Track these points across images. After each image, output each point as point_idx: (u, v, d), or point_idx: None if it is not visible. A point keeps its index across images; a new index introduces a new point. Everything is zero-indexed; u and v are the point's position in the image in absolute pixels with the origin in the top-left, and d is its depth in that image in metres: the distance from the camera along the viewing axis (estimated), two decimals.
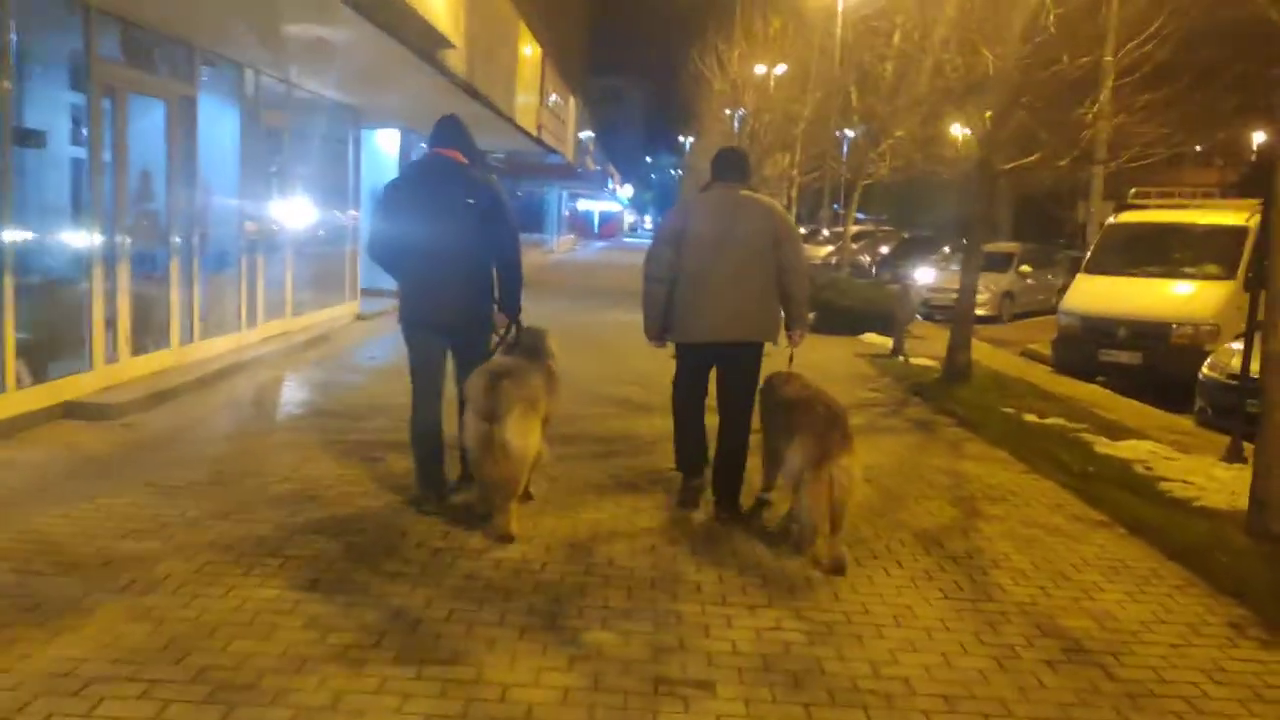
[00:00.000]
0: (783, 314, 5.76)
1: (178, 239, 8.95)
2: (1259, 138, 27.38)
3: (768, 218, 5.56)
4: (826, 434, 4.92)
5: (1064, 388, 11.71)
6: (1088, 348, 12.82)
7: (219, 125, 9.91)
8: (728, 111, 34.52)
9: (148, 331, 8.66)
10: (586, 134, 42.48)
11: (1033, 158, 11.68)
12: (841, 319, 15.82)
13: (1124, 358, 12.50)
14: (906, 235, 34.07)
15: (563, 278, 25.74)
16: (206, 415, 7.90)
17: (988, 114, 11.19)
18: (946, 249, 27.32)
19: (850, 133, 27.06)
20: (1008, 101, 10.81)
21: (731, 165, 5.74)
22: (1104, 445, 8.23)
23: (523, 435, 4.98)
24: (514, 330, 5.69)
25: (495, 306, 5.59)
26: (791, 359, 5.88)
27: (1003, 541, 5.64)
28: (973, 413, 9.31)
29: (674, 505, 5.81)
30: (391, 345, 12.25)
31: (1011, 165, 11.44)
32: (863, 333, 15.61)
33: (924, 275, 23.16)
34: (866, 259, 32.36)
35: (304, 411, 8.38)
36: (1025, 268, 22.10)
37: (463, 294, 5.38)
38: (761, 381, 5.76)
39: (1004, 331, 19.64)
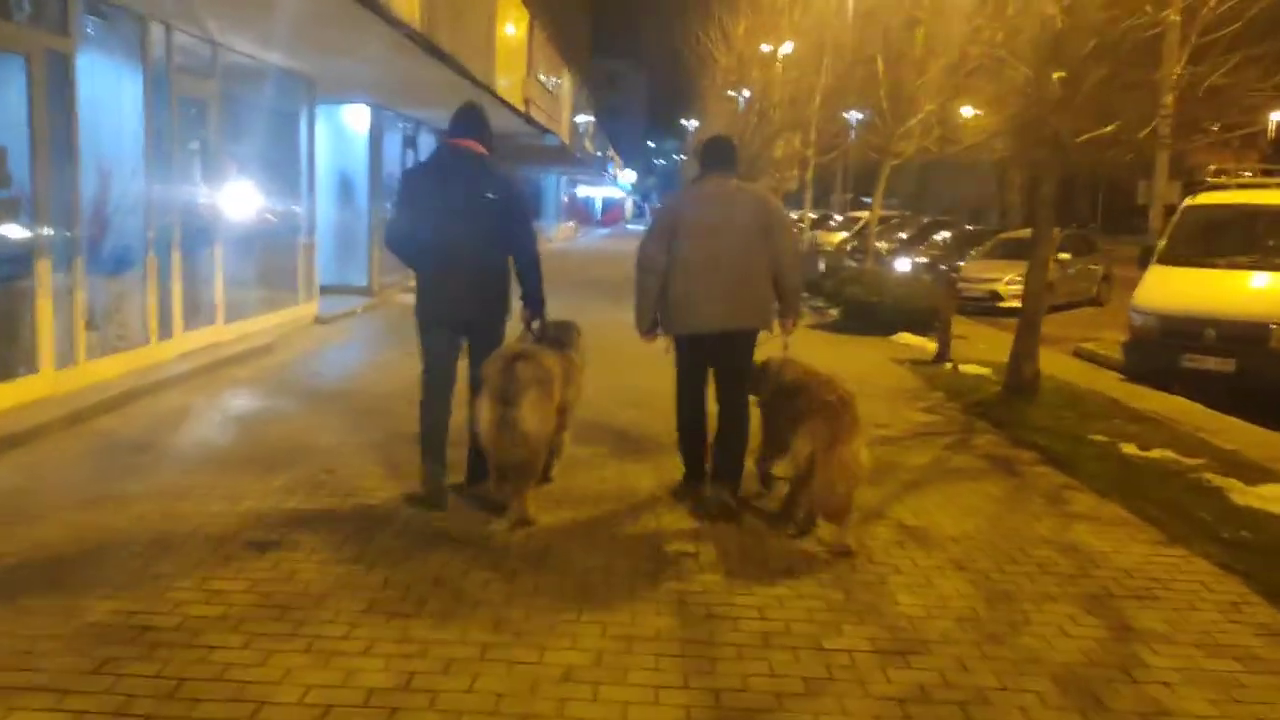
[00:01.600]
0: (776, 303, 5.71)
1: (48, 231, 7.00)
2: None
3: (759, 207, 5.55)
4: (837, 418, 4.89)
5: (1147, 402, 9.78)
6: (1168, 352, 10.85)
7: (116, 92, 7.98)
8: (731, 93, 32.46)
9: (11, 353, 6.76)
10: (587, 118, 40.48)
11: (1109, 128, 9.74)
12: (872, 318, 13.89)
13: (1212, 364, 10.53)
14: (926, 220, 32.05)
15: (560, 269, 23.52)
16: (38, 479, 5.99)
17: (1057, 75, 9.23)
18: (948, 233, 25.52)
19: (858, 115, 25.14)
20: (1085, 59, 8.88)
21: (720, 155, 5.73)
22: (1240, 492, 6.38)
23: (537, 417, 4.94)
24: (540, 325, 5.54)
25: (521, 302, 5.50)
26: (786, 347, 5.79)
27: (1188, 692, 3.71)
28: (1058, 444, 7.43)
29: (679, 504, 5.70)
30: (353, 356, 10.37)
31: (1086, 137, 9.49)
32: (896, 333, 13.69)
33: (902, 262, 21.28)
34: (883, 245, 30.33)
35: (186, 465, 6.22)
36: (1063, 255, 20.05)
37: (480, 290, 5.35)
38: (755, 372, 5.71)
39: (1047, 325, 17.60)
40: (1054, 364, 12.05)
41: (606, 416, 7.76)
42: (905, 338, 13.48)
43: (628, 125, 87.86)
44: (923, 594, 4.51)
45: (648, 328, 5.67)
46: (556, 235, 44.35)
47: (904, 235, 29.72)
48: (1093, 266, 21.35)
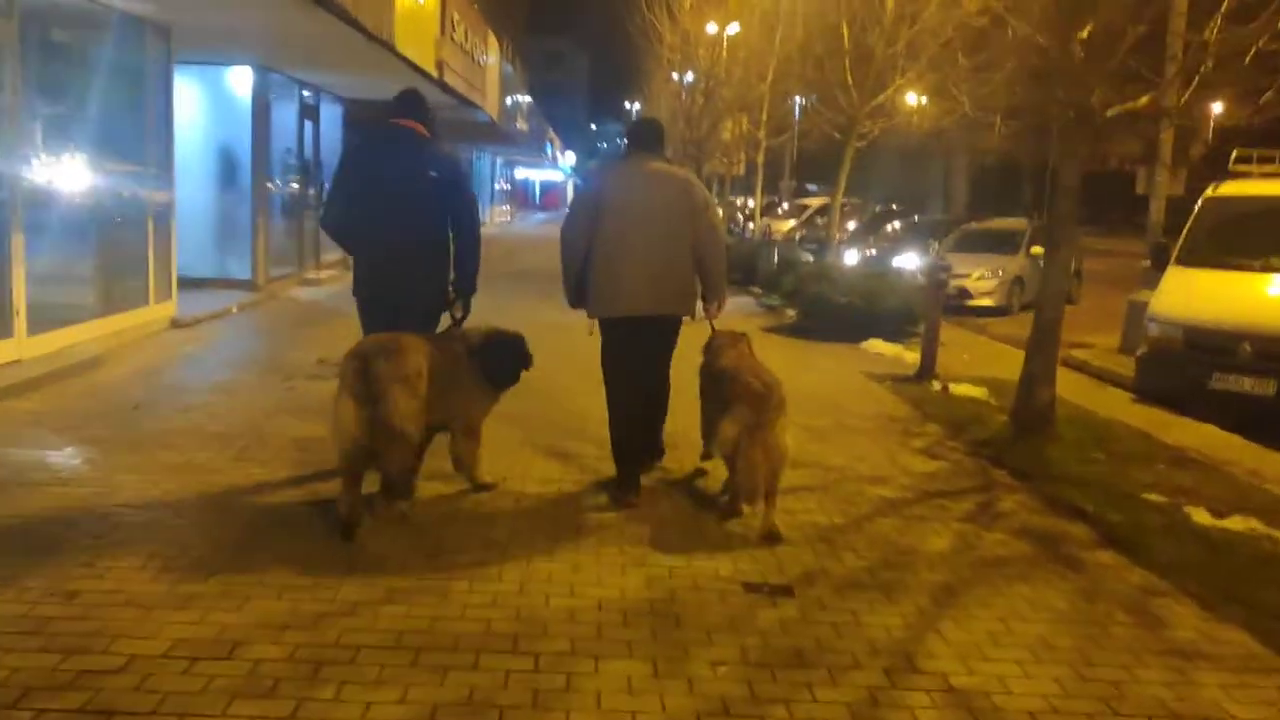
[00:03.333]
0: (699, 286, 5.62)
1: None
2: None
3: (682, 189, 5.47)
4: (762, 404, 4.93)
5: (1180, 434, 8.06)
6: (1193, 370, 9.13)
7: None
8: (675, 76, 30.44)
9: None
10: (524, 98, 38.17)
11: (1142, 100, 7.96)
12: (839, 321, 12.02)
13: (1248, 384, 8.82)
14: (877, 209, 30.39)
15: (491, 256, 20.95)
16: None
17: (1083, 34, 7.40)
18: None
19: (802, 100, 23.36)
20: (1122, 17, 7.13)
21: (646, 136, 5.66)
22: None
23: (405, 417, 4.59)
24: (463, 315, 5.39)
25: (451, 287, 5.37)
26: (714, 330, 5.71)
27: None
28: (1109, 508, 5.68)
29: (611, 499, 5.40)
30: (202, 373, 8.19)
31: (1116, 110, 7.69)
32: (866, 339, 11.85)
33: (908, 260, 19.79)
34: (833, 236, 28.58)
35: None
36: (1037, 249, 18.40)
37: (419, 271, 5.27)
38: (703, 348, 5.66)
39: (1016, 326, 15.86)
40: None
41: (516, 484, 5.78)
42: (876, 345, 11.65)
43: (569, 107, 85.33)
44: None
45: (574, 300, 5.61)
46: (490, 220, 42.02)
47: (852, 225, 27.93)
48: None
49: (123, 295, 9.37)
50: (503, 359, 5.24)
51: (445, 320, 5.39)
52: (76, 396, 7.03)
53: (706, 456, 5.82)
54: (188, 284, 12.35)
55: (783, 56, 19.57)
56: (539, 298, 13.72)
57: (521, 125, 31.06)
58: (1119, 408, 9.16)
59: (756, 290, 17.57)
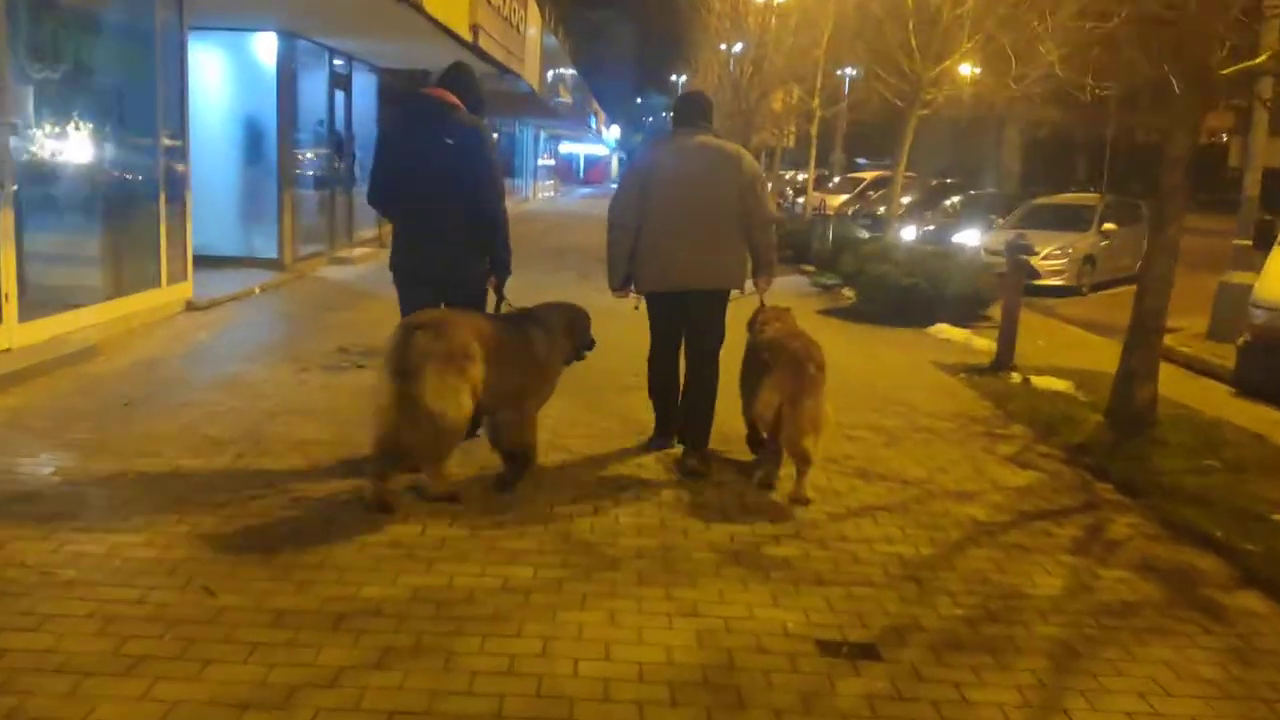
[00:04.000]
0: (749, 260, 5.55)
1: None
2: None
3: (731, 162, 5.38)
4: (803, 372, 4.92)
5: None
6: None
7: None
8: (723, 47, 29.37)
9: None
10: (569, 71, 37.26)
11: (1261, 58, 7.03)
12: (903, 304, 11.13)
13: None
14: (934, 183, 29.16)
15: (526, 235, 20.24)
16: None
17: None
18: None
19: (851, 71, 22.28)
20: None
21: (694, 110, 5.59)
22: None
23: (440, 396, 4.30)
24: (497, 296, 5.23)
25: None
26: (763, 304, 5.59)
27: None
28: (1239, 534, 4.84)
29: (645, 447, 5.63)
30: (212, 364, 7.43)
31: (1233, 69, 6.73)
32: (930, 323, 10.96)
33: (968, 236, 18.79)
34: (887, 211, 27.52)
35: None
36: (1110, 225, 17.33)
37: (448, 243, 5.08)
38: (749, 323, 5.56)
39: (1088, 307, 14.94)
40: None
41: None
42: (944, 330, 10.76)
43: (613, 80, 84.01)
44: None
45: (619, 284, 5.53)
46: (533, 195, 41.25)
47: (907, 200, 26.76)
48: (1139, 239, 18.58)
49: (132, 277, 8.72)
50: (582, 336, 5.15)
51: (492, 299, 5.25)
52: (66, 392, 6.36)
53: (754, 441, 5.59)
54: (211, 263, 11.77)
55: (840, 19, 18.52)
56: (578, 277, 12.97)
57: (565, 97, 30.16)
58: (1220, 404, 8.24)
59: (809, 268, 16.67)
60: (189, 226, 9.57)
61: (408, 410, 4.26)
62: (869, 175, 32.20)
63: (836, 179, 33.42)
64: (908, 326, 10.92)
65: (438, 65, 17.00)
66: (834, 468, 5.52)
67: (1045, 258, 15.85)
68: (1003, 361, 8.69)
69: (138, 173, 8.84)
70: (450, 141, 4.95)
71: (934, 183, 28.84)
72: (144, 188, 8.89)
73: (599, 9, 79.57)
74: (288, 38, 12.09)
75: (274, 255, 12.29)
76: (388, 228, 18.26)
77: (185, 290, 9.51)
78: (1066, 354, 10.05)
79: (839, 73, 22.50)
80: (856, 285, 12.03)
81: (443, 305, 5.03)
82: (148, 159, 8.91)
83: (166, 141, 9.16)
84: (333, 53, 13.97)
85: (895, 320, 11.08)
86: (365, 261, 14.45)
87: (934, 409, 7.20)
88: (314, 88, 13.73)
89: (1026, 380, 8.24)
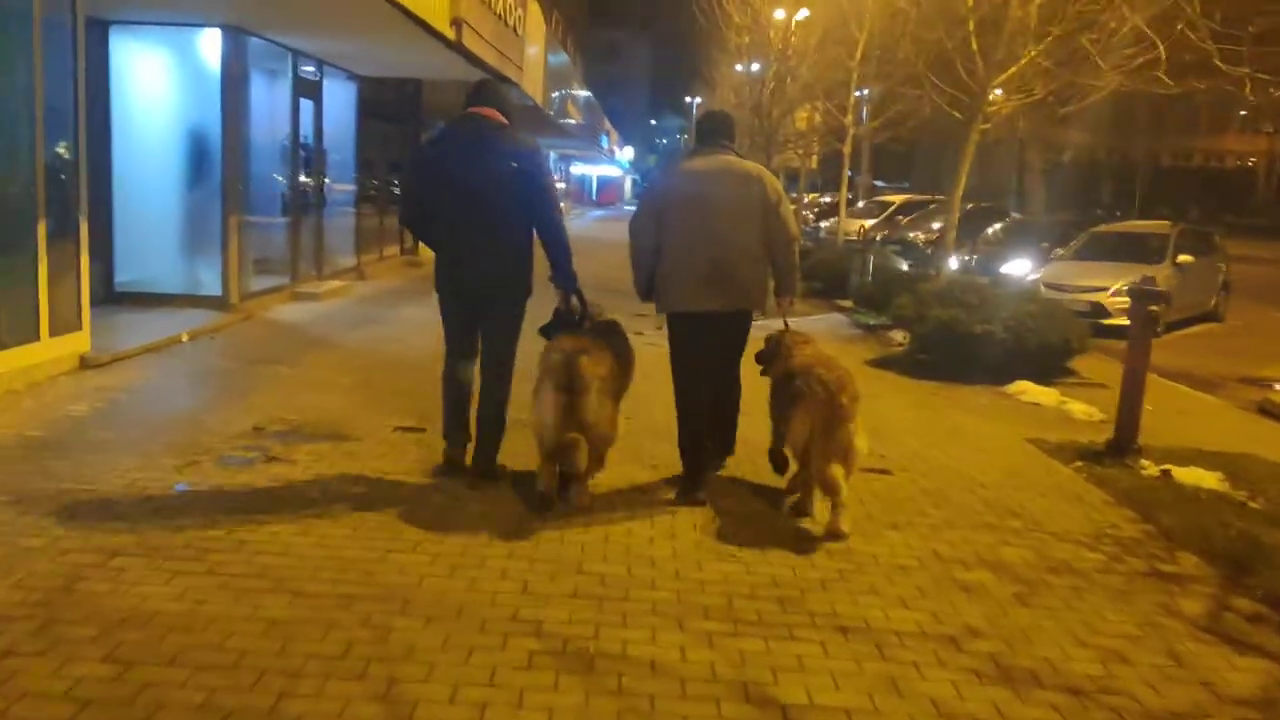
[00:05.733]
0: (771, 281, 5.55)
1: None
2: None
3: (755, 183, 5.34)
4: (834, 401, 4.85)
5: None
6: None
7: None
8: (739, 68, 27.49)
9: None
10: (583, 92, 35.46)
11: None
12: (970, 355, 9.08)
13: None
14: (969, 206, 27.09)
15: (540, 258, 17.78)
16: None
17: None
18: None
19: (865, 90, 20.42)
20: None
21: (716, 129, 5.57)
22: None
23: (600, 410, 4.93)
24: (579, 304, 5.44)
25: (552, 282, 5.42)
26: (786, 325, 5.61)
27: None
28: None
29: (678, 497, 5.32)
30: (58, 459, 5.39)
31: None
32: (1008, 380, 8.92)
33: (1018, 267, 16.90)
34: (919, 236, 25.57)
35: None
36: (1185, 257, 15.27)
37: (497, 265, 5.20)
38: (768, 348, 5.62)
39: (1170, 353, 12.63)
40: (1255, 435, 7.55)
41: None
42: (1027, 390, 8.72)
43: (628, 100, 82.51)
44: None
45: (645, 292, 5.54)
46: None
47: (936, 225, 24.69)
48: (1213, 272, 16.46)
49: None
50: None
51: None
52: None
53: (779, 459, 5.51)
54: (143, 302, 10.07)
55: (880, 22, 16.62)
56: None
57: (572, 111, 28.26)
58: None
59: (846, 303, 14.64)
60: (84, 262, 7.60)
61: (573, 422, 4.77)
62: (897, 198, 30.25)
63: (861, 203, 31.51)
64: (979, 383, 8.90)
65: (424, 73, 14.93)
66: (954, 657, 3.48)
67: (1115, 294, 13.82)
68: (1124, 443, 6.64)
69: (19, 189, 6.90)
70: (515, 165, 5.01)
71: (969, 207, 26.83)
72: (14, 215, 6.93)
73: (615, 29, 78.13)
74: (234, 34, 10.15)
75: (218, 292, 10.34)
76: (369, 259, 16.50)
77: (79, 343, 7.54)
78: (1182, 424, 8.02)
79: (857, 93, 20.56)
80: (916, 332, 9.97)
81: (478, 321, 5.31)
82: (21, 176, 6.96)
83: (51, 156, 7.21)
84: (298, 55, 12.04)
85: (962, 374, 9.05)
86: (335, 298, 12.50)
87: (1063, 526, 5.16)
88: (274, 96, 11.82)
89: (1166, 473, 6.18)
